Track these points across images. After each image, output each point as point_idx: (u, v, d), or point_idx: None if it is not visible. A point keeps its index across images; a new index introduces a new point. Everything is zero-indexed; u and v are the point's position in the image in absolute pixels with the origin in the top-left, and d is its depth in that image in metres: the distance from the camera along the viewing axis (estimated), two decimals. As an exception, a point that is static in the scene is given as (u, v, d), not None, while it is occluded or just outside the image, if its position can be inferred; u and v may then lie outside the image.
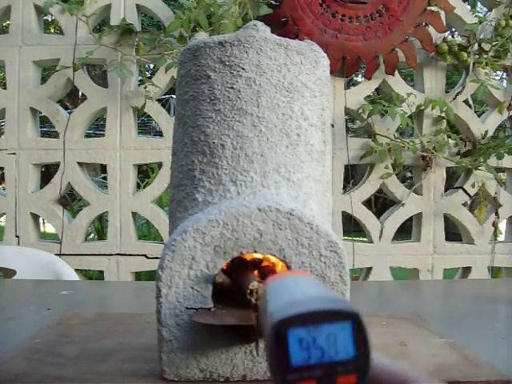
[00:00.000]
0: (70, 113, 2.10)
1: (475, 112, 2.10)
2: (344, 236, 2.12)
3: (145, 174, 3.90)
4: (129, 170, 2.00)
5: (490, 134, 2.03)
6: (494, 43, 1.97)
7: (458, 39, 2.09)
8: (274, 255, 0.56)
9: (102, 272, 2.03)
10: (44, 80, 2.14)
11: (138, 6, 2.02)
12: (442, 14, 1.98)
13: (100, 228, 2.97)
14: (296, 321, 0.29)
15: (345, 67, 1.97)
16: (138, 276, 2.22)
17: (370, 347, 0.29)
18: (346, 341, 0.29)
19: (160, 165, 2.06)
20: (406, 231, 2.27)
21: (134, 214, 2.03)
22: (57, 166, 2.02)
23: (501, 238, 2.14)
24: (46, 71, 3.76)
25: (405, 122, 1.91)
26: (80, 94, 3.83)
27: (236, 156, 0.59)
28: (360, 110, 1.99)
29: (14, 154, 2.01)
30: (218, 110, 0.60)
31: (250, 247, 0.55)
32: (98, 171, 5.23)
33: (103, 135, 2.04)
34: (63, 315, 0.83)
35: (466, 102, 2.04)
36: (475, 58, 1.98)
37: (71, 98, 6.64)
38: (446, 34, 2.10)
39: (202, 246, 0.55)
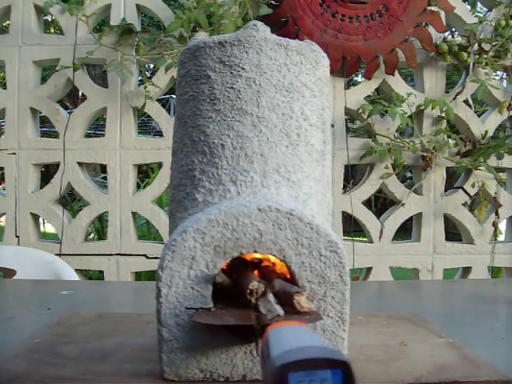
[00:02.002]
0: (70, 113, 2.10)
1: (475, 112, 2.10)
2: (344, 236, 2.12)
3: (145, 174, 3.89)
4: (129, 170, 2.00)
5: (490, 134, 2.02)
6: (494, 43, 1.97)
7: (458, 39, 2.09)
8: (274, 255, 0.56)
9: (102, 272, 2.03)
10: (44, 80, 2.14)
11: (138, 5, 2.02)
12: (442, 14, 1.97)
13: (100, 228, 2.97)
14: (296, 366, 0.34)
15: (345, 67, 1.97)
16: (138, 276, 2.22)
17: None
18: None
19: (160, 165, 2.06)
20: (406, 231, 2.27)
21: (134, 214, 2.03)
22: (57, 165, 2.02)
23: (501, 237, 2.14)
24: (46, 71, 3.76)
25: (405, 122, 1.91)
26: (80, 93, 3.84)
27: (236, 156, 0.59)
28: (360, 110, 1.99)
29: (13, 153, 2.01)
30: (218, 110, 0.60)
31: (250, 247, 0.55)
32: (98, 171, 5.23)
33: (103, 135, 2.04)
34: (63, 315, 0.83)
35: (466, 101, 2.04)
36: (475, 58, 1.98)
37: (71, 98, 6.64)
38: (446, 33, 2.10)
39: (201, 246, 0.55)
